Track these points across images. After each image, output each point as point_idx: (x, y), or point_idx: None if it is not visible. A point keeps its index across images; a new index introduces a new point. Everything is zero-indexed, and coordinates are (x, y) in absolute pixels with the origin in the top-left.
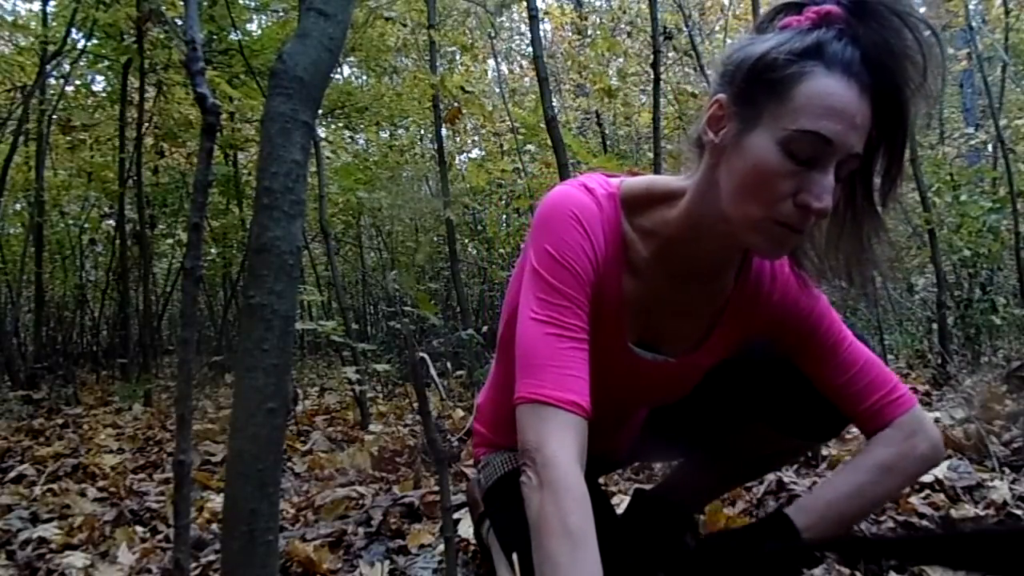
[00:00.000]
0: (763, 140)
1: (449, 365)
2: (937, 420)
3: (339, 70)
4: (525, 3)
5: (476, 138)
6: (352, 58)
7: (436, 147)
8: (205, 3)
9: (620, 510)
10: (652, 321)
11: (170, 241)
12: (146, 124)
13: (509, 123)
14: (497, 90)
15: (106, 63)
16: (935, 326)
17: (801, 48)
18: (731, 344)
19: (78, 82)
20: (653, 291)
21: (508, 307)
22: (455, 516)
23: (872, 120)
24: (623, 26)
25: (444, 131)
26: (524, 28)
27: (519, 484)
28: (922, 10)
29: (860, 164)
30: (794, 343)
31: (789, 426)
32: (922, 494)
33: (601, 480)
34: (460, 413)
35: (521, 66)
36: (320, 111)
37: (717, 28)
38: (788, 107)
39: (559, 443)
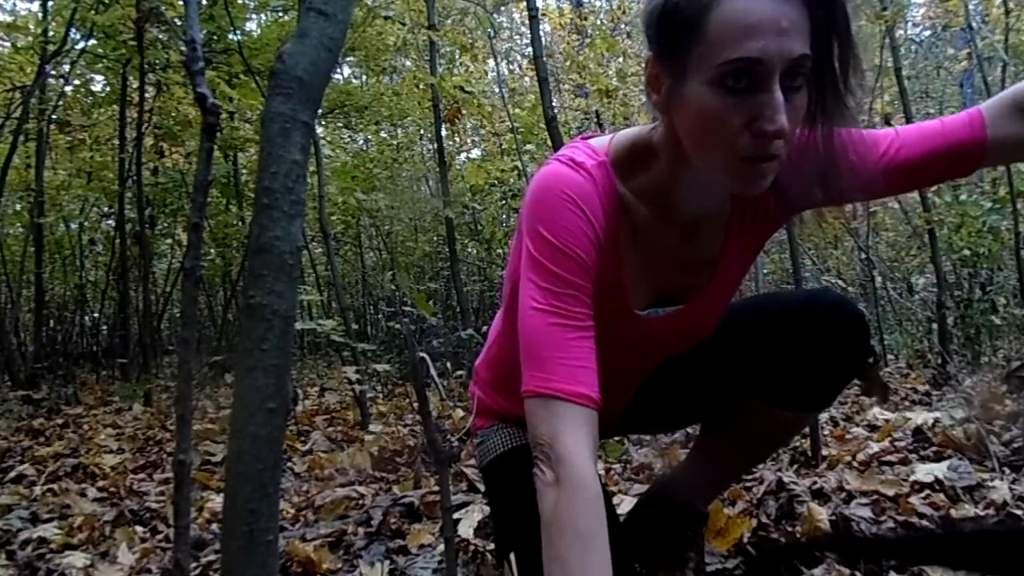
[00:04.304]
0: (696, 86)
1: (449, 365)
2: (937, 420)
3: (339, 70)
4: (525, 3)
5: (476, 138)
6: (351, 58)
7: (436, 147)
8: (205, 2)
9: (619, 510)
10: (664, 278)
11: (170, 241)
12: (146, 124)
13: (509, 123)
14: (497, 90)
15: (105, 63)
16: (935, 326)
17: None
18: (744, 261)
19: (77, 82)
20: (661, 249)
21: (513, 263)
22: (455, 516)
23: (807, 12)
24: (623, 26)
25: (444, 131)
26: (524, 28)
27: (518, 469)
28: (922, 11)
29: (815, 61)
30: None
31: (780, 397)
32: (922, 494)
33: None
34: (460, 413)
35: (520, 66)
36: (320, 111)
37: None
38: (707, 45)
39: (573, 438)
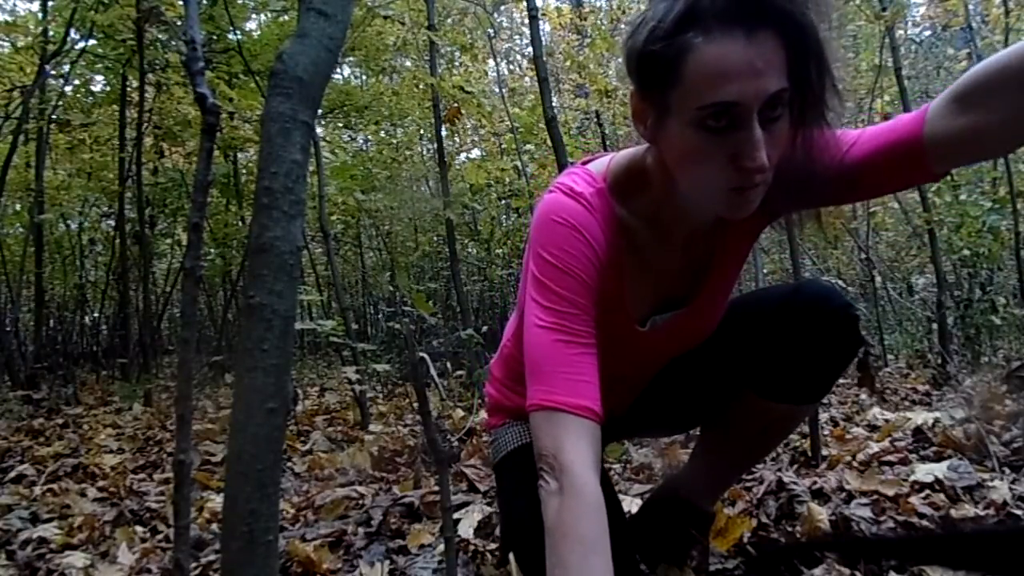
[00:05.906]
0: (678, 127)
1: (449, 365)
2: (937, 420)
3: (339, 70)
4: (525, 3)
5: (476, 138)
6: (351, 58)
7: (436, 147)
8: (205, 2)
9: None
10: (664, 287)
11: (170, 241)
12: (146, 124)
13: (509, 123)
14: (497, 90)
15: (105, 63)
16: (935, 326)
17: (673, 23)
18: (737, 260)
19: (77, 82)
20: (661, 262)
21: (524, 280)
22: (455, 516)
23: (781, 42)
24: (623, 26)
25: (444, 131)
26: (524, 28)
27: (529, 465)
28: (922, 11)
29: (794, 84)
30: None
31: (773, 390)
32: (922, 494)
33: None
34: (460, 413)
35: (520, 66)
36: (320, 111)
37: None
38: (686, 88)
39: (575, 449)
